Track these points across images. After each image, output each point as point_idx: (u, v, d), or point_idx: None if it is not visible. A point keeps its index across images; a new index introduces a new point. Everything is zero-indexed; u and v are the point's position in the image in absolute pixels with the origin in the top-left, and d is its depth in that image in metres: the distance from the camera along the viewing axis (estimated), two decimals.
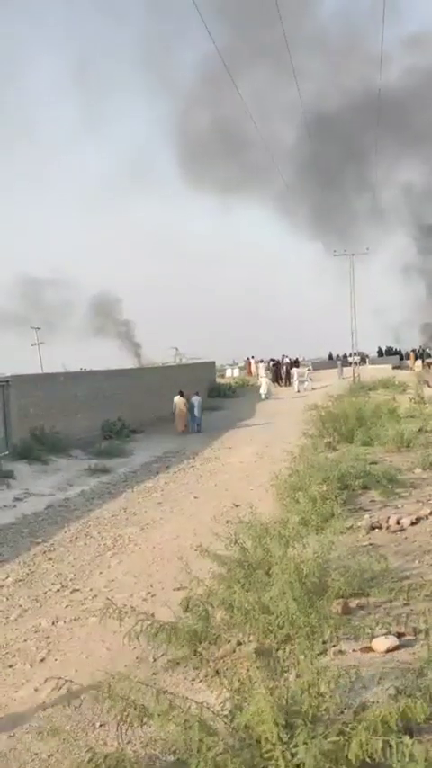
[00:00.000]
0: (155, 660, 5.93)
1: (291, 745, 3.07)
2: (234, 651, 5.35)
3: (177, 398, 26.68)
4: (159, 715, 3.55)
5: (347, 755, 2.97)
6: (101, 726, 4.95)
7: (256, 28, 60.70)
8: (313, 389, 39.03)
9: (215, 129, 73.51)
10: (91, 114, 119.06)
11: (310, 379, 43.74)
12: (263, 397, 37.20)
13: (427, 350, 57.15)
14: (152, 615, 5.29)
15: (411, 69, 69.43)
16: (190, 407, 26.75)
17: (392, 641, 4.94)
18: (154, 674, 5.69)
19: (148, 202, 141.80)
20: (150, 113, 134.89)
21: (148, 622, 4.79)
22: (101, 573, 9.05)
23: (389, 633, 5.07)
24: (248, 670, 4.24)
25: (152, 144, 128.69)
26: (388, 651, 4.86)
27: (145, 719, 3.63)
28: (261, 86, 66.86)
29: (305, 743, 2.97)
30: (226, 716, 3.68)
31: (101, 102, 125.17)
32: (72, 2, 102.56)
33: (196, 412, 26.80)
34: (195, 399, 27.07)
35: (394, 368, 49.87)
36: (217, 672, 3.96)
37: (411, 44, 76.77)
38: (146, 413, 27.62)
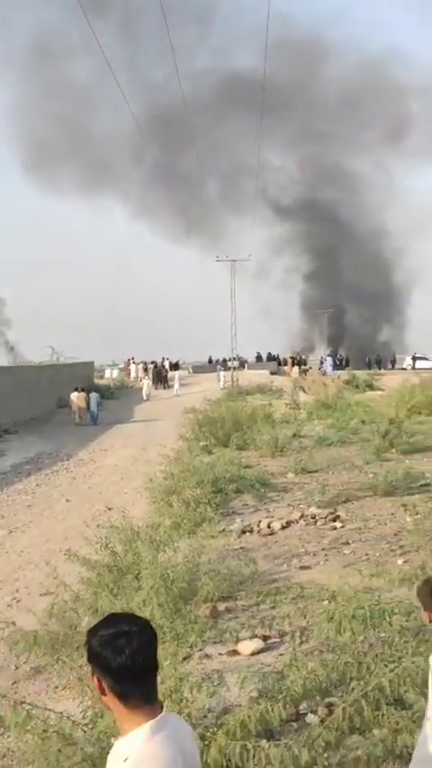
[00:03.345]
0: (16, 668, 5.73)
1: None
2: None
3: (75, 394, 28.24)
4: (16, 725, 3.42)
5: (207, 761, 2.96)
6: None
7: None
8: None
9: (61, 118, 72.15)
10: None
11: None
12: (144, 398, 37.08)
13: (304, 357, 58.92)
14: (13, 623, 5.10)
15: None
16: (88, 403, 28.13)
17: (257, 644, 5.01)
18: (14, 682, 5.50)
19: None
20: None
21: (10, 630, 4.62)
22: None
23: (254, 636, 5.14)
24: None
25: None
26: (253, 654, 4.92)
27: (1, 730, 3.48)
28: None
29: None
30: (86, 724, 3.59)
31: None
32: None
33: (93, 407, 28.04)
34: (93, 396, 28.64)
35: (272, 373, 50.95)
36: (80, 679, 3.86)
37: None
38: (20, 413, 26.80)
